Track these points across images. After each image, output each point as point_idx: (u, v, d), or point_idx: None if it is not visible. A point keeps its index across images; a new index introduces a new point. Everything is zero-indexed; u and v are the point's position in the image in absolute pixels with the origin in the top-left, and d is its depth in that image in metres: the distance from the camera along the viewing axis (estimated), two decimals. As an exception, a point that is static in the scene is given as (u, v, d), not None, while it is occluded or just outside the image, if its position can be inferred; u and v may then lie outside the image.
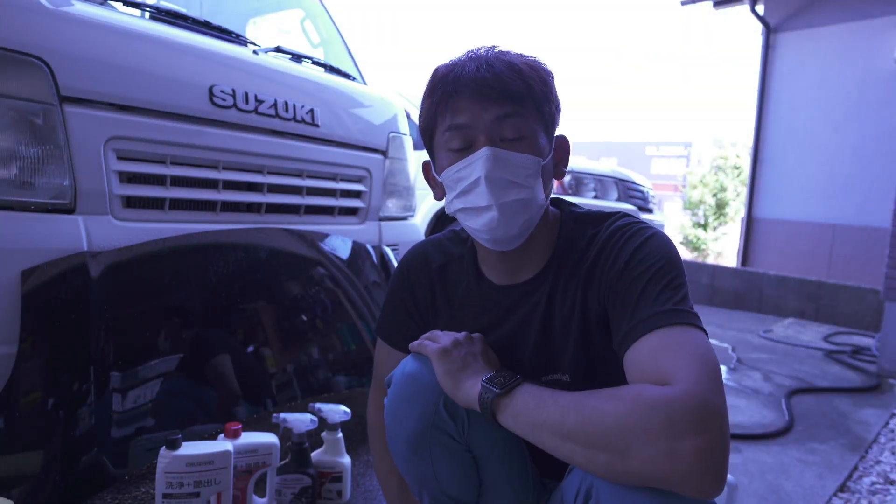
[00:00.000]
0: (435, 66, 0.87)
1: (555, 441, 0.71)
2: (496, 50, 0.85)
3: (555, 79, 0.87)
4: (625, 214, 0.88)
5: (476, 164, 0.81)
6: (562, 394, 0.73)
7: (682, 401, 0.63)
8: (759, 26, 6.21)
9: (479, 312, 0.95)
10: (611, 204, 4.21)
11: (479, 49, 0.86)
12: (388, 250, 2.06)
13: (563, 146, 0.91)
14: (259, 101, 1.60)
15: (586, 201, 3.91)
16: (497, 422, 0.77)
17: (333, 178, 1.90)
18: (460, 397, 0.82)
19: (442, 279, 0.99)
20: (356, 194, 2.01)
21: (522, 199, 0.82)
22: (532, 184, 0.82)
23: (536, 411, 0.73)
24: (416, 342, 0.91)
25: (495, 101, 0.80)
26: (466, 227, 0.89)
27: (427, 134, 0.89)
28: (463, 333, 0.89)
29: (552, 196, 0.94)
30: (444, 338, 0.88)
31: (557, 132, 0.90)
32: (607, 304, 0.81)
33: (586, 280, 0.84)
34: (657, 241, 0.81)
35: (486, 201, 0.81)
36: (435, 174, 0.91)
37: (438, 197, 0.91)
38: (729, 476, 1.23)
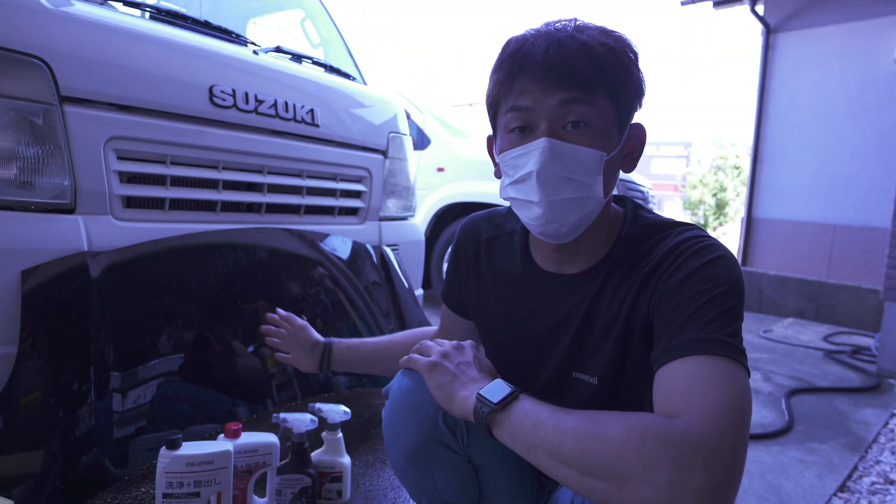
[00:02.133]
0: (507, 38, 0.82)
1: (551, 464, 0.68)
2: (574, 25, 0.78)
3: (639, 59, 0.80)
4: (694, 225, 0.83)
5: (532, 156, 0.77)
6: (563, 413, 0.70)
7: (693, 436, 0.60)
8: (759, 26, 6.21)
9: (521, 295, 0.92)
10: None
11: (556, 22, 0.79)
12: (388, 250, 2.06)
13: (637, 135, 0.84)
14: (259, 101, 1.60)
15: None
16: (493, 437, 0.75)
17: (333, 178, 1.90)
18: (455, 410, 0.79)
19: (489, 252, 0.98)
20: (356, 194, 2.01)
21: (576, 199, 0.77)
22: (591, 181, 0.77)
23: (533, 432, 0.69)
24: (405, 357, 0.89)
25: (561, 85, 0.75)
26: (519, 216, 0.85)
27: (491, 111, 0.85)
28: (452, 343, 0.87)
29: (615, 194, 0.88)
30: (434, 349, 0.86)
31: (636, 118, 0.83)
32: (655, 314, 0.76)
33: (641, 285, 0.79)
34: (725, 264, 0.74)
35: (537, 197, 0.77)
36: (495, 153, 0.87)
37: (498, 175, 0.87)
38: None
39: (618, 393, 0.77)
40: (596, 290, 0.84)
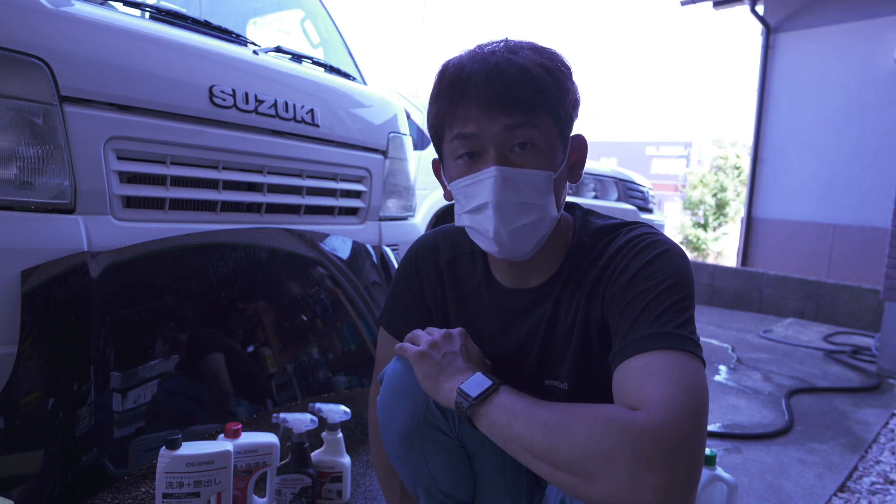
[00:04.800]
0: (442, 64, 0.82)
1: (526, 457, 0.70)
2: (507, 47, 0.79)
3: (572, 72, 0.81)
4: (642, 224, 0.84)
5: (485, 185, 0.77)
6: (536, 408, 0.71)
7: (651, 432, 0.61)
8: (759, 26, 6.22)
9: (488, 314, 0.93)
10: (611, 204, 4.22)
11: (489, 45, 0.80)
12: (388, 250, 2.06)
13: (579, 146, 0.86)
14: (259, 101, 1.60)
15: (586, 201, 3.91)
16: (476, 429, 0.76)
17: (333, 178, 1.90)
18: (441, 401, 0.82)
19: (452, 274, 0.96)
20: (356, 194, 2.01)
21: (533, 222, 0.79)
22: (543, 202, 0.79)
23: (508, 426, 0.71)
24: (398, 344, 0.90)
25: (504, 111, 0.76)
26: (478, 244, 0.86)
27: (435, 138, 0.86)
28: (442, 331, 0.87)
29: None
30: (423, 339, 0.87)
31: (574, 130, 0.85)
32: (609, 315, 0.78)
33: (591, 289, 0.81)
34: (670, 258, 0.76)
35: (494, 228, 0.79)
36: (444, 180, 0.87)
37: (448, 198, 0.87)
38: (729, 476, 1.23)
39: (590, 395, 0.78)
40: (554, 300, 0.86)
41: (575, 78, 0.82)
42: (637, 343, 0.70)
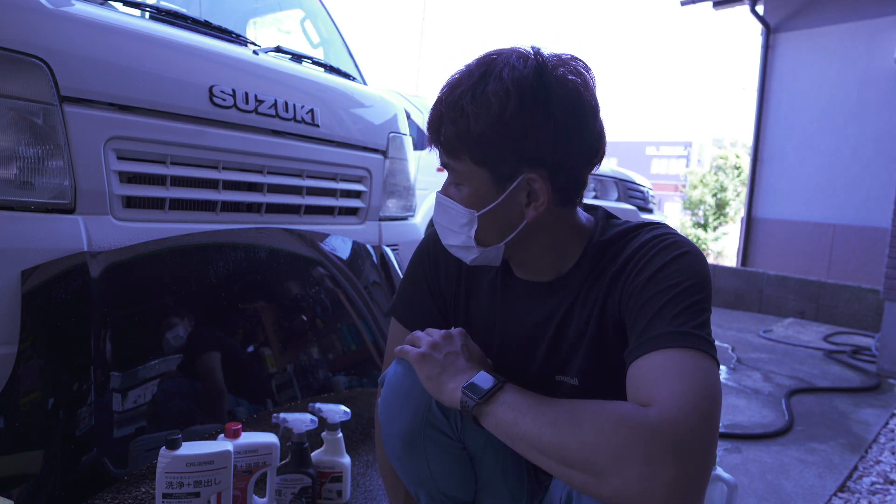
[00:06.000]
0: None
1: (533, 455, 0.70)
2: (468, 74, 0.78)
3: (526, 104, 0.75)
4: (662, 224, 0.85)
5: None
6: (543, 405, 0.72)
7: (663, 428, 0.62)
8: (759, 26, 6.22)
9: (501, 304, 0.93)
10: (611, 204, 4.22)
11: (467, 68, 0.80)
12: (388, 250, 2.06)
13: (531, 188, 0.79)
14: (259, 101, 1.60)
15: (585, 202, 3.91)
16: (482, 427, 0.76)
17: (333, 178, 1.90)
18: (445, 401, 0.82)
19: (470, 266, 0.96)
20: (356, 194, 2.01)
21: (458, 245, 0.86)
22: (467, 232, 0.84)
23: (515, 424, 0.72)
24: (399, 347, 0.90)
25: (436, 148, 0.84)
26: None
27: None
28: (441, 332, 0.87)
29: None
30: (423, 340, 0.87)
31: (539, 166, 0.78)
32: (625, 312, 0.78)
33: (610, 285, 0.81)
34: (690, 259, 0.77)
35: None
36: None
37: None
38: (729, 476, 1.23)
39: (600, 392, 0.78)
40: (569, 296, 0.86)
41: (533, 118, 0.75)
42: (654, 340, 0.70)
